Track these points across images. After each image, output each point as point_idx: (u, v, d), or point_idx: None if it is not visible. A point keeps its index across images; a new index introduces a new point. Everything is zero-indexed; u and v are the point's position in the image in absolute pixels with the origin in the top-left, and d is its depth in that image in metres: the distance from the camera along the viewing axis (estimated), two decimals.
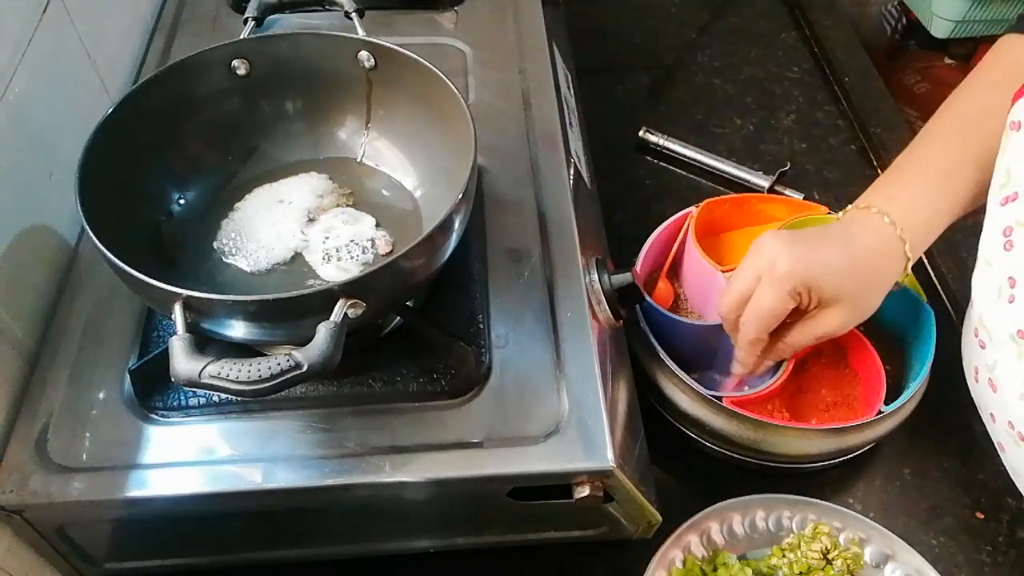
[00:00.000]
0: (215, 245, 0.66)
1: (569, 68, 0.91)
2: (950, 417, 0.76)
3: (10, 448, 0.57)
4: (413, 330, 0.62)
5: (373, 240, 0.66)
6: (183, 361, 0.47)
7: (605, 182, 0.85)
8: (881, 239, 0.61)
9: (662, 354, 0.70)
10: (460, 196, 0.55)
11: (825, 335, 0.64)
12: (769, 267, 0.61)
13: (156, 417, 0.58)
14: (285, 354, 0.47)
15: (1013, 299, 0.53)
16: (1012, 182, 0.53)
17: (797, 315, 0.64)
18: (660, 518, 0.62)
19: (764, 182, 0.94)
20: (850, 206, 0.65)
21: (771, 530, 0.66)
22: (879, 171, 0.99)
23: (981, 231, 0.57)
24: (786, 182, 0.95)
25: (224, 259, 0.65)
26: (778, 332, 0.65)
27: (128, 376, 0.59)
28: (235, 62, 0.67)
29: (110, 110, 0.60)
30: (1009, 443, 0.59)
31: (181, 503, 0.56)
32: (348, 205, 0.69)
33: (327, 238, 0.66)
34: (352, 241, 0.65)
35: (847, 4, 1.30)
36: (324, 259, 0.64)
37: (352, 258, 0.65)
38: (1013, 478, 0.63)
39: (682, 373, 0.69)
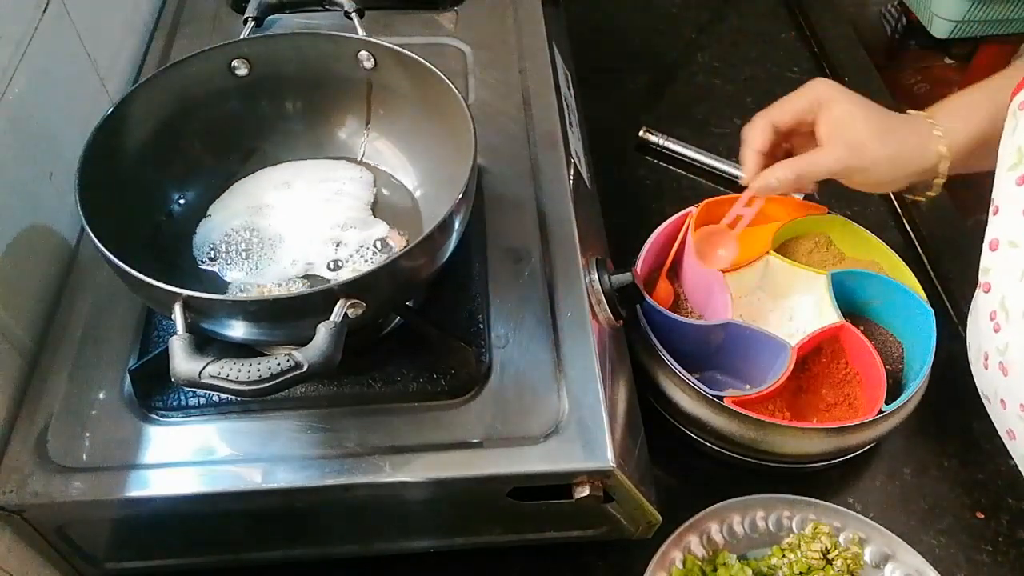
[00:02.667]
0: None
1: (569, 68, 0.91)
2: (950, 417, 0.77)
3: (10, 448, 0.57)
4: (413, 330, 0.62)
5: (383, 240, 0.66)
6: (183, 361, 0.47)
7: (605, 182, 0.85)
8: (916, 132, 0.66)
9: (662, 354, 0.70)
10: (460, 196, 0.55)
11: (822, 167, 0.67)
12: (809, 86, 0.69)
13: (156, 417, 0.58)
14: (285, 354, 0.46)
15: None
16: None
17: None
18: (660, 518, 0.62)
19: None
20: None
21: (771, 530, 0.66)
22: None
23: (982, 232, 0.57)
24: None
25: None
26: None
27: (128, 376, 0.59)
28: (235, 62, 0.67)
29: (110, 110, 0.60)
30: (1020, 428, 0.59)
31: (181, 503, 0.56)
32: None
33: (338, 245, 0.66)
34: (362, 246, 0.65)
35: (847, 4, 1.30)
36: (330, 267, 0.65)
37: (364, 261, 0.65)
38: (1022, 467, 0.62)
39: (683, 372, 0.69)
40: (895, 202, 0.94)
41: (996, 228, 0.57)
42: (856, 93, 0.69)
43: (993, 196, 0.58)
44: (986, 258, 0.58)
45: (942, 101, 0.69)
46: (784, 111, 0.70)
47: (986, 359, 0.60)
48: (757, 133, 0.71)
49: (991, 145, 0.63)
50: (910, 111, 0.69)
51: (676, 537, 0.63)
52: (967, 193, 0.95)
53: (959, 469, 0.74)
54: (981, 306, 0.60)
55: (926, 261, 0.88)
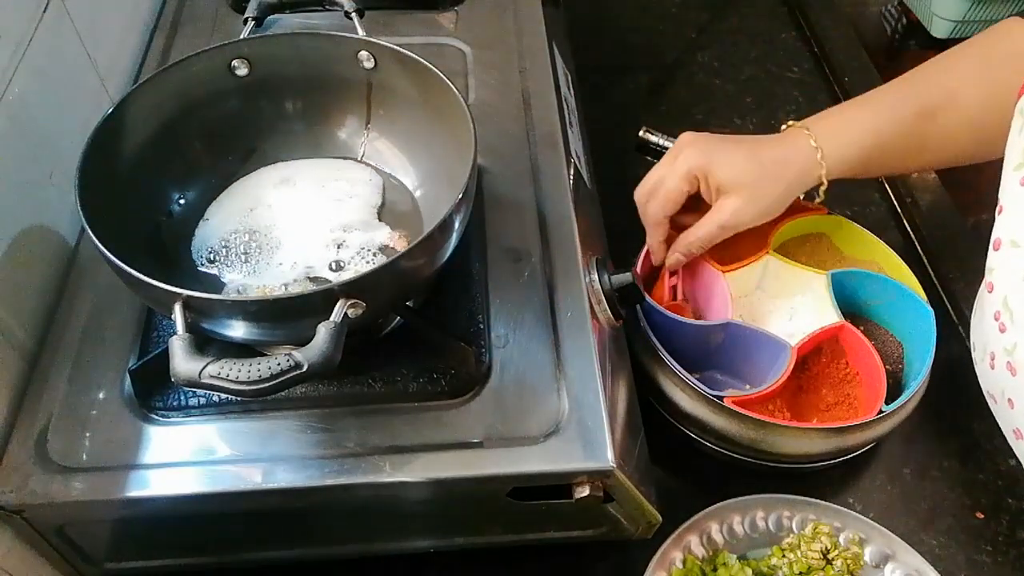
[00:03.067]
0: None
1: (569, 68, 0.91)
2: (950, 417, 0.77)
3: (10, 448, 0.57)
4: (413, 330, 0.62)
5: (385, 245, 0.66)
6: (183, 361, 0.47)
7: (605, 182, 0.85)
8: (794, 147, 0.68)
9: (663, 354, 0.70)
10: (460, 196, 0.55)
11: (724, 224, 0.69)
12: (674, 156, 0.70)
13: (156, 417, 0.58)
14: (285, 354, 0.46)
15: None
16: None
17: (704, 209, 0.70)
18: (660, 518, 0.62)
19: None
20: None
21: (771, 530, 0.66)
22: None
23: (982, 232, 0.57)
24: None
25: None
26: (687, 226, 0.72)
27: (128, 376, 0.59)
28: (235, 62, 0.67)
29: (110, 110, 0.60)
30: None
31: (181, 503, 0.56)
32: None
33: (339, 246, 0.66)
34: (364, 248, 0.65)
35: (847, 4, 1.30)
36: (332, 268, 0.65)
37: (367, 263, 0.65)
38: None
39: (683, 372, 0.69)
40: (895, 202, 0.94)
41: (1000, 228, 0.57)
42: (715, 135, 0.71)
43: (999, 195, 0.58)
44: (990, 258, 0.58)
45: (821, 113, 0.71)
46: (668, 202, 0.71)
47: (992, 359, 0.60)
48: (655, 234, 0.74)
49: (873, 158, 0.68)
50: (788, 124, 0.71)
51: (676, 537, 0.63)
52: (967, 193, 0.95)
53: (959, 469, 0.74)
54: (986, 306, 0.60)
55: (926, 261, 0.88)
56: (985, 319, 0.61)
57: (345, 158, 0.72)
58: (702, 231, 0.70)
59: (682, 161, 0.69)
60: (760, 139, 0.70)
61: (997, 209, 0.58)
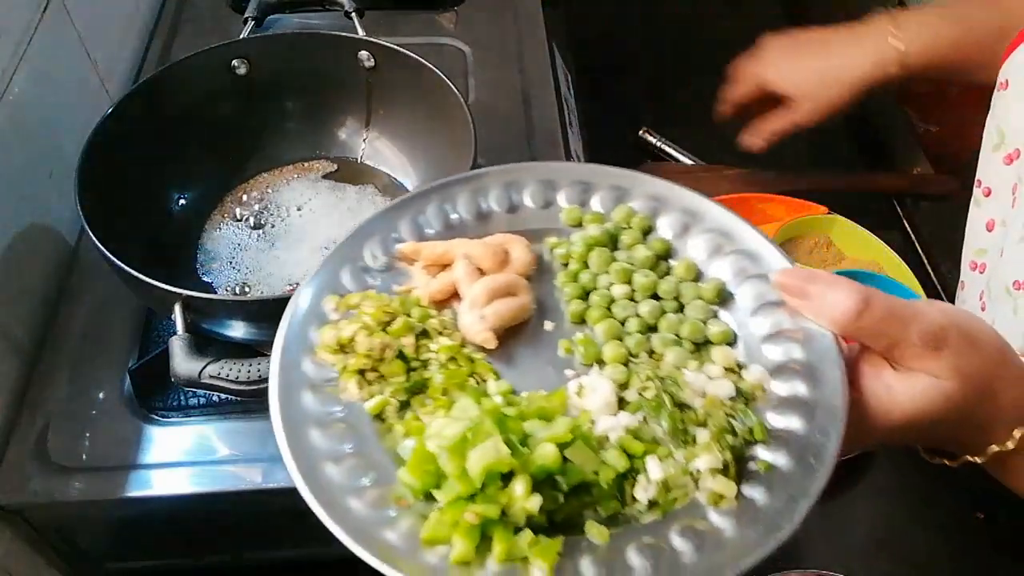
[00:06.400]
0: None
1: (569, 68, 0.91)
2: None
3: (10, 448, 0.57)
4: None
5: None
6: (183, 361, 0.47)
7: None
8: (863, 48, 0.75)
9: None
10: None
11: (793, 123, 0.78)
12: (751, 63, 0.81)
13: (156, 417, 0.58)
14: None
15: (1003, 253, 0.54)
16: (1007, 140, 0.54)
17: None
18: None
19: None
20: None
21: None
22: (878, 171, 0.99)
23: None
24: None
25: None
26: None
27: (128, 376, 0.59)
28: (235, 62, 0.67)
29: (110, 110, 0.60)
30: None
31: (181, 503, 0.56)
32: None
33: None
34: None
35: (847, 4, 1.30)
36: None
37: None
38: None
39: None
40: (895, 202, 0.94)
41: (992, 210, 0.58)
42: (791, 38, 0.81)
43: (980, 178, 0.58)
44: (982, 239, 0.59)
45: (914, 8, 0.76)
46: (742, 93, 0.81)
47: None
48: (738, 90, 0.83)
49: (954, 60, 0.71)
50: (872, 15, 0.76)
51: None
52: (967, 193, 0.95)
53: (959, 469, 0.74)
54: (965, 293, 0.60)
55: (926, 261, 0.88)
56: (970, 300, 0.61)
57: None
58: (776, 125, 0.79)
59: (752, 77, 0.80)
60: (834, 37, 0.78)
61: (982, 192, 0.58)
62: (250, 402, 0.58)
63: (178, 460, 0.57)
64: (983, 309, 0.58)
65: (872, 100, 1.05)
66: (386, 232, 0.45)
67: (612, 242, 0.45)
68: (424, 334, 0.42)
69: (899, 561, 0.69)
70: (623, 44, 1.16)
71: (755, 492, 0.36)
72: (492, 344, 0.41)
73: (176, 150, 0.67)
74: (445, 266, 0.44)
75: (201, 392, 0.58)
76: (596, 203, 0.47)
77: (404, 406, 0.40)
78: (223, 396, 0.58)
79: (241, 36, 0.69)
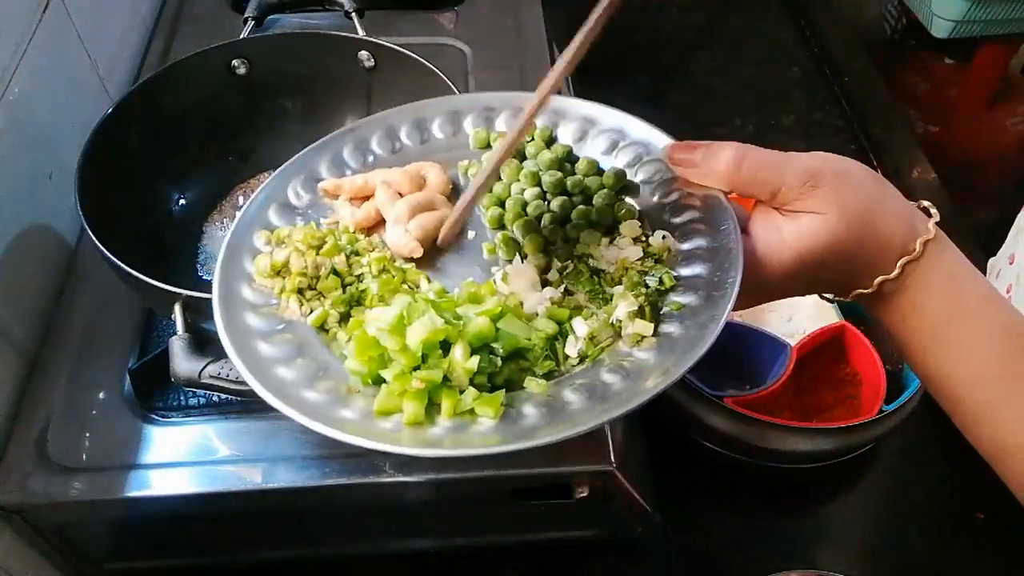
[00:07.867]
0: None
1: None
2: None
3: (10, 448, 0.57)
4: None
5: None
6: (183, 361, 0.47)
7: None
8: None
9: None
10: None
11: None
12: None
13: (156, 417, 0.58)
14: None
15: None
16: None
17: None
18: (660, 518, 0.62)
19: None
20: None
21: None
22: (878, 171, 0.99)
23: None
24: None
25: None
26: None
27: (128, 376, 0.59)
28: (235, 62, 0.67)
29: (110, 110, 0.60)
30: None
31: (181, 503, 0.56)
32: None
33: None
34: None
35: (847, 4, 1.30)
36: None
37: None
38: None
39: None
40: None
41: None
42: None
43: None
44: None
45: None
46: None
47: None
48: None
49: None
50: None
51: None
52: (967, 193, 0.95)
53: (959, 469, 0.74)
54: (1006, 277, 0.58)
55: None
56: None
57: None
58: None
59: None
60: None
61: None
62: (250, 402, 0.58)
63: (178, 460, 0.57)
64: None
65: (872, 100, 1.06)
66: (307, 173, 0.48)
67: (520, 155, 0.49)
68: (355, 254, 0.45)
69: (899, 561, 0.69)
70: (623, 44, 1.16)
71: (671, 327, 0.40)
72: (419, 253, 0.45)
73: (176, 150, 0.67)
74: (367, 198, 0.48)
75: (201, 392, 0.58)
76: (501, 124, 0.51)
77: (345, 319, 0.43)
78: (223, 396, 0.58)
79: (241, 36, 0.69)
